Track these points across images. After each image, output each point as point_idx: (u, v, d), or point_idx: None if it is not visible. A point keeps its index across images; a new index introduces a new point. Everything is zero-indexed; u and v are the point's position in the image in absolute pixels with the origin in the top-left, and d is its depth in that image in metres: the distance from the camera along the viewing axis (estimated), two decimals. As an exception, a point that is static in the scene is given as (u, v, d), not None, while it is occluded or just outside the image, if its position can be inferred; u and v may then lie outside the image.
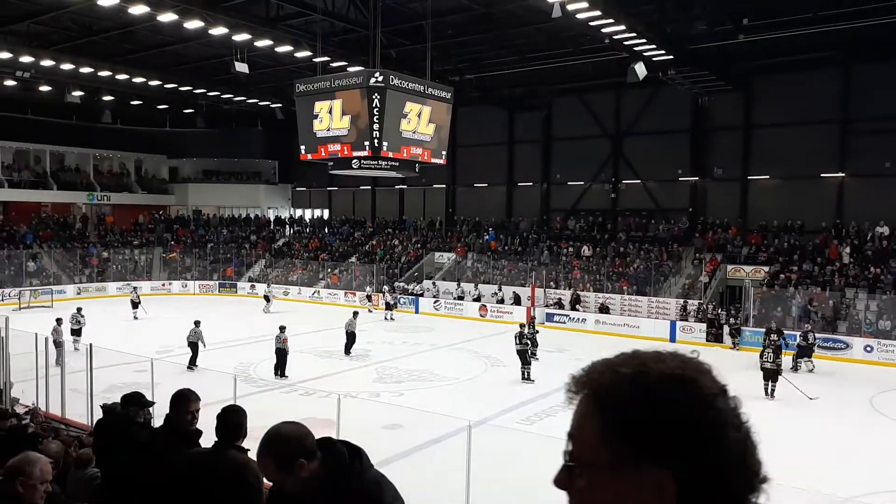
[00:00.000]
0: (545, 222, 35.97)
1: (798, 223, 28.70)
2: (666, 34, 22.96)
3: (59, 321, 18.75)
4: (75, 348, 17.97)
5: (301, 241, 41.95)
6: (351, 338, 20.87)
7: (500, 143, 37.66)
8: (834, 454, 12.37)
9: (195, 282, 38.29)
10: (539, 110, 35.70)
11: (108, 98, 35.00)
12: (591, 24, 20.25)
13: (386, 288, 32.03)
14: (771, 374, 17.20)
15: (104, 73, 29.06)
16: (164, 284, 37.80)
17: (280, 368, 17.53)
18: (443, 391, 16.64)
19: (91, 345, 11.80)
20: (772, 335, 18.81)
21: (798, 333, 21.36)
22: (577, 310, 28.29)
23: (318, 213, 47.44)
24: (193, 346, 18.50)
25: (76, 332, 20.56)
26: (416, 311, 31.48)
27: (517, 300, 30.06)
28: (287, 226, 45.45)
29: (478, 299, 30.88)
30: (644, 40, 22.02)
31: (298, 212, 48.40)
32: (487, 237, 36.08)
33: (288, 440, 2.24)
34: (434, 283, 33.26)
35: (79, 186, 41.78)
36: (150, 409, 5.85)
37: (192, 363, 18.16)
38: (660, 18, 22.56)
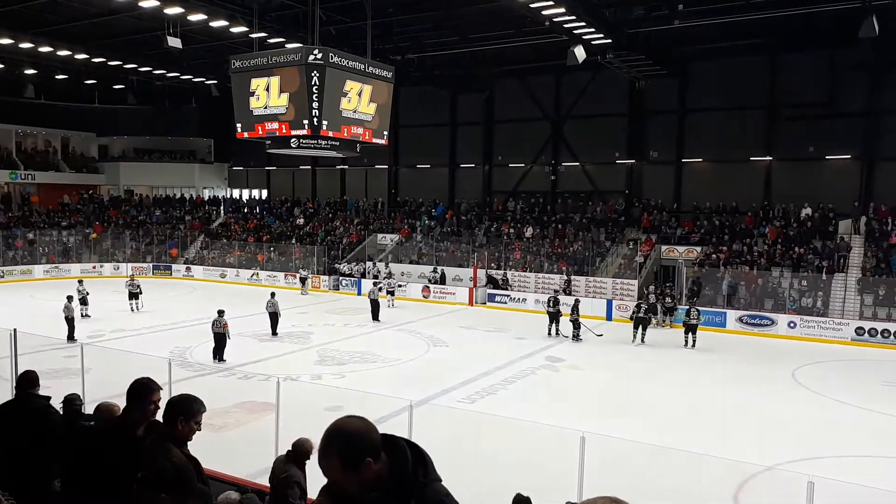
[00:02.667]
0: (487, 204, 36.22)
1: (732, 204, 29.76)
2: (604, 18, 23.26)
3: (69, 298, 20.04)
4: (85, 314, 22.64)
5: (238, 222, 40.99)
6: (274, 318, 21.00)
7: (442, 124, 37.62)
8: (758, 425, 12.97)
9: (127, 264, 37.01)
10: (481, 92, 35.77)
11: (30, 72, 33.19)
12: (532, 5, 20.33)
13: (383, 277, 30.61)
14: (691, 329, 20.97)
15: (25, 45, 27.50)
16: (94, 267, 36.40)
17: (219, 353, 17.17)
18: (385, 372, 16.64)
19: (15, 330, 11.28)
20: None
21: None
22: (508, 288, 28.72)
23: (256, 193, 46.43)
24: (219, 336, 17.28)
25: (83, 302, 22.81)
26: (359, 293, 31.30)
27: (442, 279, 30.61)
28: (223, 206, 44.30)
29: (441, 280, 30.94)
30: (583, 24, 22.26)
31: (235, 192, 47.26)
32: (436, 211, 36.15)
33: (355, 436, 1.98)
34: (386, 265, 33.08)
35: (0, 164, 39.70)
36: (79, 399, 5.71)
37: (220, 356, 17.13)
38: (599, 2, 22.82)
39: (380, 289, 26.42)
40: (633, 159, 32.95)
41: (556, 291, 25.09)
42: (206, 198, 45.23)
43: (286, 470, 6.01)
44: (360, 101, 18.87)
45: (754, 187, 30.11)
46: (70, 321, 19.48)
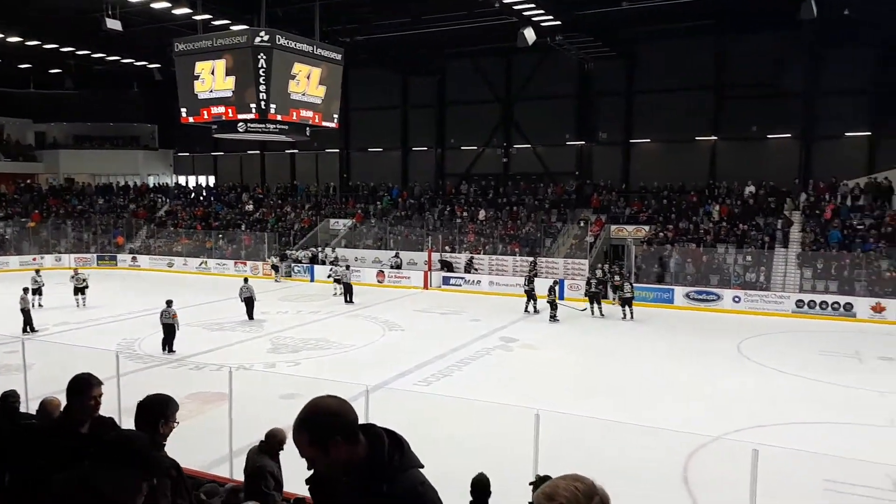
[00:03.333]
0: (440, 187, 36.19)
1: (679, 184, 30.43)
2: (553, 0, 23.36)
3: (25, 290, 19.96)
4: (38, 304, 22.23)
5: (185, 209, 40.00)
6: (250, 303, 21.24)
7: (394, 107, 37.36)
8: (706, 397, 13.40)
9: (70, 255, 35.79)
10: (433, 74, 35.59)
11: (-43, 55, 31.66)
12: (481, -14, 20.26)
13: (329, 263, 30.57)
14: (626, 302, 22.02)
15: (-49, 27, 26.19)
16: (34, 259, 35.07)
17: (168, 343, 16.81)
18: (340, 358, 16.56)
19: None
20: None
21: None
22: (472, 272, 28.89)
23: (202, 179, 45.36)
24: (168, 327, 16.89)
25: (36, 292, 22.50)
26: (312, 280, 31.00)
27: (400, 264, 30.58)
28: (169, 194, 43.14)
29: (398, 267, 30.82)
30: (533, 5, 22.32)
31: (182, 179, 46.08)
32: (389, 196, 35.94)
33: (325, 415, 2.00)
34: (333, 250, 32.77)
35: (-73, 153, 37.87)
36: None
37: (169, 346, 16.82)
38: (547, -16, 22.89)
39: (347, 267, 27.06)
40: (583, 140, 33.35)
41: (531, 271, 26.06)
42: (152, 185, 43.99)
43: (259, 461, 5.92)
44: (308, 83, 18.55)
45: (700, 166, 30.87)
46: (26, 312, 19.32)
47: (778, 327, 21.06)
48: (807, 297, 23.09)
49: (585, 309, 21.91)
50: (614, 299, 24.71)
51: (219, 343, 18.02)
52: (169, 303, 17.14)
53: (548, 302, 21.99)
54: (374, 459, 2.01)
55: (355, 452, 2.00)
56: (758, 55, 28.78)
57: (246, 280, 22.55)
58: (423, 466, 2.10)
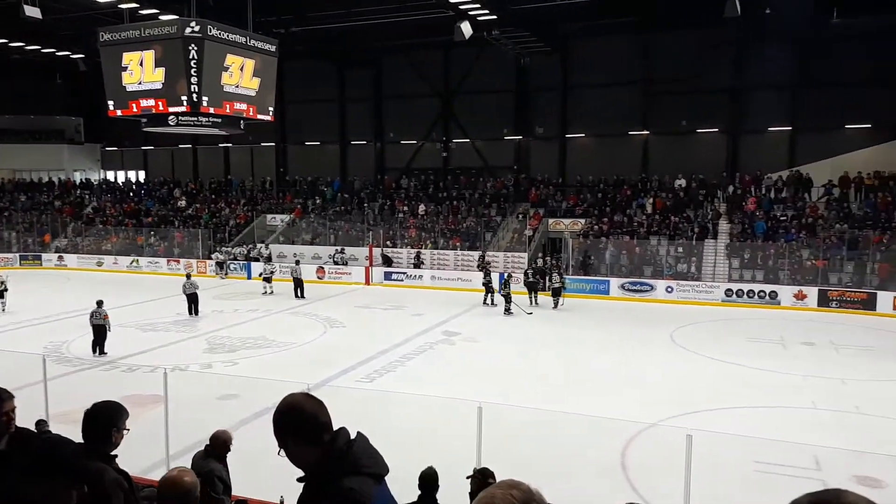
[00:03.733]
0: (380, 181, 35.97)
1: (613, 177, 31.12)
2: (490, -6, 23.50)
3: None
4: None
5: (115, 205, 38.47)
6: (193, 299, 21.31)
7: (331, 99, 36.89)
8: (642, 385, 13.80)
9: (-11, 255, 33.99)
10: (370, 67, 35.32)
11: None
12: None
13: (263, 261, 30.19)
14: (556, 292, 23.25)
15: None
16: (-51, 259, 33.19)
17: (99, 345, 16.16)
18: (280, 357, 16.29)
19: None
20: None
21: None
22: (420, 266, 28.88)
23: (132, 175, 43.74)
24: (99, 328, 16.18)
25: None
26: (249, 277, 30.36)
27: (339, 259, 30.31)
28: (97, 190, 41.39)
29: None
30: (469, -1, 22.37)
31: (110, 174, 44.32)
32: (330, 189, 35.52)
33: (292, 413, 2.17)
34: (267, 247, 32.16)
35: None
36: None
37: (100, 348, 16.10)
38: (484, -22, 22.99)
39: (297, 262, 27.08)
40: (521, 135, 33.74)
41: (487, 264, 26.76)
42: (78, 181, 42.13)
43: (206, 465, 5.72)
44: (242, 75, 18.09)
45: (633, 160, 31.70)
46: None
47: (708, 316, 21.86)
48: (735, 287, 24.05)
49: (531, 313, 22.11)
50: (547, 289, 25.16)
51: (153, 344, 17.45)
52: (99, 303, 16.48)
53: (502, 295, 22.51)
54: (319, 463, 2.12)
55: (311, 454, 2.13)
56: (686, 52, 29.72)
57: (189, 276, 22.62)
58: (378, 474, 2.17)
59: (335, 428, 2.20)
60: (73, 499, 2.55)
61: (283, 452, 2.19)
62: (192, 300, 21.33)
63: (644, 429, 10.57)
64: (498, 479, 5.05)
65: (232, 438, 6.14)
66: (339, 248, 30.53)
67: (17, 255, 34.50)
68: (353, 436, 2.23)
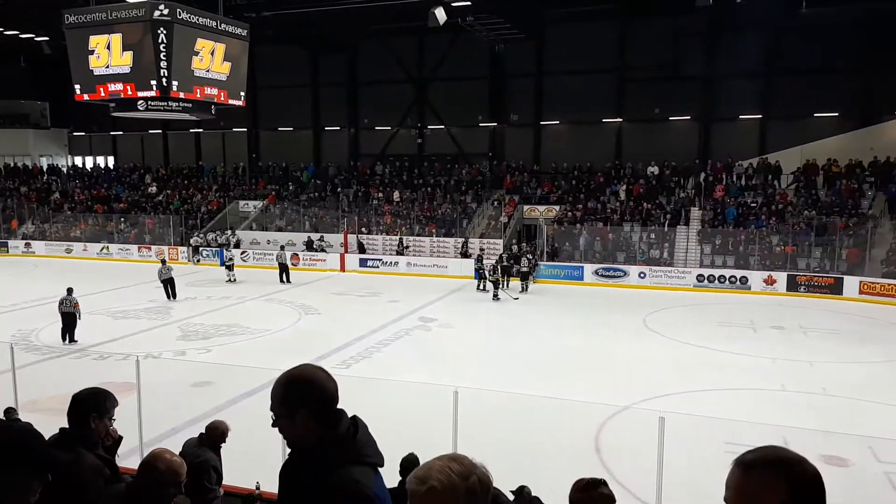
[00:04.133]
0: (354, 168, 35.74)
1: (587, 164, 31.29)
2: (464, -20, 23.37)
3: None
4: None
5: (84, 191, 37.70)
6: (170, 284, 21.59)
7: (304, 85, 36.48)
8: (615, 369, 13.98)
9: (-48, 243, 33.17)
10: (344, 52, 34.95)
11: None
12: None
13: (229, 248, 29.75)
14: (523, 276, 23.76)
15: None
16: (-90, 247, 32.33)
17: (69, 333, 15.90)
18: (255, 344, 16.18)
19: None
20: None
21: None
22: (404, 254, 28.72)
23: (101, 160, 42.88)
24: (68, 316, 15.90)
25: None
26: (221, 264, 30.00)
27: (310, 244, 30.23)
28: (64, 176, 40.52)
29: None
30: (443, -16, 22.21)
31: (78, 160, 43.40)
32: (306, 174, 35.20)
33: (305, 383, 2.06)
34: (235, 235, 31.80)
35: None
36: None
37: (70, 336, 15.83)
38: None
39: (282, 248, 27.21)
40: (496, 122, 33.73)
41: (481, 250, 27.03)
42: (45, 167, 41.19)
43: (200, 454, 5.63)
44: (213, 60, 17.78)
45: (607, 147, 31.90)
46: None
47: (681, 301, 22.17)
48: (706, 272, 24.41)
49: (517, 298, 22.27)
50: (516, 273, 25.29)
51: (125, 332, 17.21)
52: (69, 290, 16.21)
53: (490, 281, 22.83)
54: (322, 446, 2.02)
55: (315, 431, 2.02)
56: (658, 39, 29.91)
57: (164, 261, 22.56)
58: (377, 465, 2.08)
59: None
60: (34, 490, 2.51)
61: (279, 425, 2.07)
62: (169, 284, 21.51)
63: (617, 412, 10.71)
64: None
65: (229, 429, 6.07)
66: (319, 235, 30.20)
67: (-18, 242, 33.71)
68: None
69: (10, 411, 7.07)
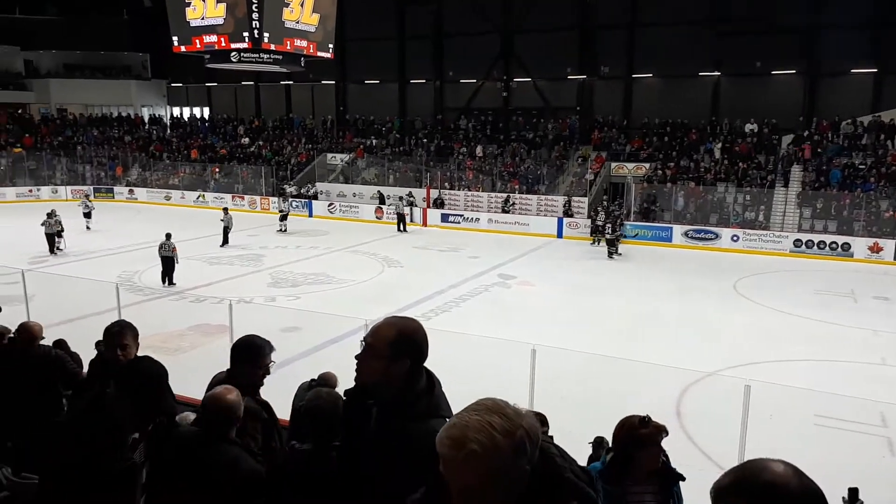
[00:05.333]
0: (439, 122, 35.64)
1: (680, 121, 29.97)
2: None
3: (48, 214, 20.92)
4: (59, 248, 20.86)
5: (181, 141, 39.43)
6: (225, 232, 22.74)
7: (390, 37, 36.39)
8: (701, 335, 13.57)
9: (66, 187, 35.54)
10: (430, 3, 34.53)
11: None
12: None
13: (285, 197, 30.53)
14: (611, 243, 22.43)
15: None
16: (30, 191, 34.86)
17: (168, 276, 16.86)
18: (340, 293, 16.66)
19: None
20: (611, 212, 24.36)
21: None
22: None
23: (196, 111, 44.58)
24: (167, 260, 16.91)
25: (59, 235, 21.08)
26: (310, 215, 30.90)
27: (382, 199, 30.46)
28: (164, 125, 42.42)
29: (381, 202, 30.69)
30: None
31: (176, 110, 45.28)
32: (396, 123, 35.46)
33: (412, 334, 2.07)
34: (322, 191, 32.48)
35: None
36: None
37: (169, 279, 16.85)
38: None
39: (400, 199, 28.67)
40: (585, 75, 32.68)
41: (604, 208, 25.34)
42: (146, 117, 43.22)
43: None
44: (302, 11, 18.01)
45: (702, 103, 30.38)
46: (49, 237, 20.55)
47: (775, 266, 21.17)
48: (805, 237, 23.13)
49: (621, 254, 22.18)
50: (596, 241, 24.53)
51: (219, 277, 18.09)
52: (168, 236, 17.13)
53: (610, 238, 22.50)
54: (403, 398, 2.04)
55: (398, 382, 2.04)
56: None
57: (226, 210, 23.69)
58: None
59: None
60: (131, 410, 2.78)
61: (369, 364, 2.06)
62: (225, 233, 22.74)
63: (701, 377, 10.43)
64: (550, 422, 5.09)
65: (338, 382, 6.29)
66: (408, 191, 30.07)
67: (91, 187, 35.91)
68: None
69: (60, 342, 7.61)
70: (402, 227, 27.24)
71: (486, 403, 1.40)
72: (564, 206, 27.30)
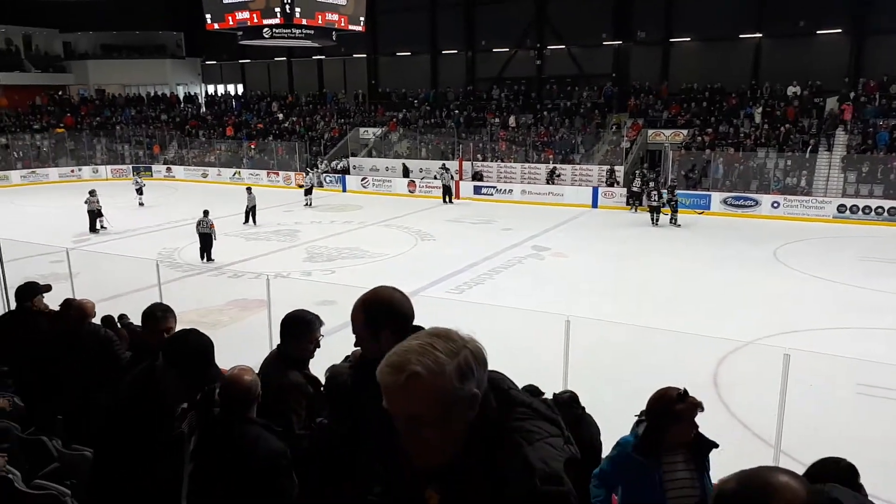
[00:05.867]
0: (471, 93, 35.31)
1: (717, 85, 29.18)
2: None
3: (91, 192, 21.37)
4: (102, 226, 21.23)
5: (216, 119, 39.86)
6: (251, 212, 22.64)
7: (421, 7, 36.01)
8: (739, 303, 13.35)
9: (106, 166, 36.34)
10: (461, -29, 34.04)
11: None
12: None
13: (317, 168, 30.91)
14: (654, 210, 22.32)
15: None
16: (72, 171, 35.73)
17: (206, 252, 17.19)
18: (374, 267, 16.80)
19: (-2, 238, 11.17)
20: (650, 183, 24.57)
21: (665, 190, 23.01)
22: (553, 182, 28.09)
23: (231, 88, 44.96)
24: (205, 237, 17.27)
25: (99, 213, 21.41)
26: (344, 190, 31.08)
27: (405, 172, 30.59)
28: (198, 104, 42.91)
29: (406, 174, 30.73)
30: None
31: (210, 88, 45.72)
32: (429, 95, 35.52)
33: (384, 303, 2.07)
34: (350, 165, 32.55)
35: (-42, 66, 37.97)
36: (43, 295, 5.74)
37: (207, 255, 17.18)
38: None
39: (446, 169, 28.50)
40: (620, 40, 31.96)
41: (647, 174, 25.85)
42: (182, 95, 43.75)
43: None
44: (333, -15, 17.94)
45: (743, 66, 29.48)
46: (92, 214, 21.06)
47: (817, 233, 20.65)
48: (849, 202, 22.47)
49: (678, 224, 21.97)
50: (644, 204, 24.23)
51: (256, 252, 18.38)
52: (206, 213, 17.42)
53: (655, 205, 22.39)
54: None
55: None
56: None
57: (249, 189, 23.17)
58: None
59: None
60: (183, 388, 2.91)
61: (363, 347, 2.12)
62: (250, 213, 22.55)
63: (739, 346, 10.29)
64: (585, 394, 5.07)
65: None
66: (443, 163, 29.68)
67: (130, 166, 36.66)
68: None
69: (123, 317, 7.84)
70: (448, 199, 27.57)
71: (428, 330, 1.37)
72: (607, 174, 26.85)
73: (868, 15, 26.88)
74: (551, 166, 28.14)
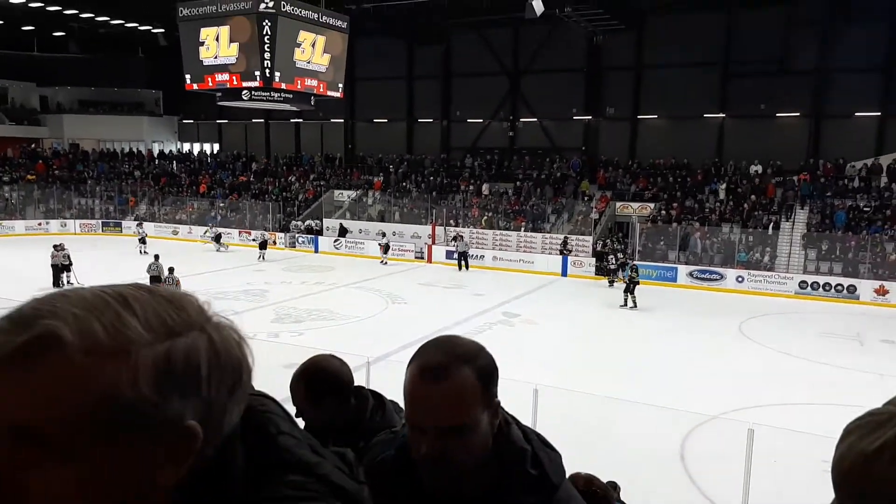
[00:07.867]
0: (445, 161, 35.99)
1: (684, 161, 30.19)
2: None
3: (55, 247, 21.00)
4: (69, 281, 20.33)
5: (190, 177, 39.87)
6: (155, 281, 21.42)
7: (399, 77, 36.99)
8: (705, 376, 13.46)
9: (75, 221, 35.86)
10: (439, 44, 35.19)
11: (-39, 16, 31.39)
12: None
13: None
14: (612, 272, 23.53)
15: (-46, -12, 25.93)
16: (40, 224, 35.18)
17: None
18: (344, 330, 16.65)
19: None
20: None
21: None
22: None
23: (207, 147, 45.18)
24: (156, 280, 17.22)
25: (66, 269, 20.91)
26: (316, 251, 31.05)
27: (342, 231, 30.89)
28: (174, 161, 42.96)
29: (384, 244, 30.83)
30: (542, -24, 21.94)
31: (186, 146, 45.89)
32: (403, 162, 35.92)
33: (322, 371, 2.16)
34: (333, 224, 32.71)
35: (-68, 116, 37.68)
36: None
37: None
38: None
39: (462, 238, 28.31)
40: (591, 115, 33.08)
41: (614, 249, 26.20)
42: (156, 152, 43.80)
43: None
44: (313, 52, 18.42)
45: (707, 144, 30.64)
46: (55, 268, 20.51)
47: (780, 308, 21.09)
48: (810, 279, 23.07)
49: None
50: (619, 278, 24.41)
51: (222, 311, 18.04)
52: (171, 270, 17.20)
53: (629, 280, 20.51)
54: (358, 418, 2.12)
55: (343, 411, 2.13)
56: (767, 31, 28.36)
57: (157, 257, 20.14)
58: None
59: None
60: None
61: (305, 419, 2.12)
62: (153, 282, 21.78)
63: (705, 420, 10.33)
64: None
65: None
66: (457, 232, 29.13)
67: (100, 221, 36.24)
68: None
69: None
70: (465, 266, 26.95)
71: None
72: (561, 245, 27.17)
73: (825, 101, 28.31)
74: (563, 236, 27.62)
